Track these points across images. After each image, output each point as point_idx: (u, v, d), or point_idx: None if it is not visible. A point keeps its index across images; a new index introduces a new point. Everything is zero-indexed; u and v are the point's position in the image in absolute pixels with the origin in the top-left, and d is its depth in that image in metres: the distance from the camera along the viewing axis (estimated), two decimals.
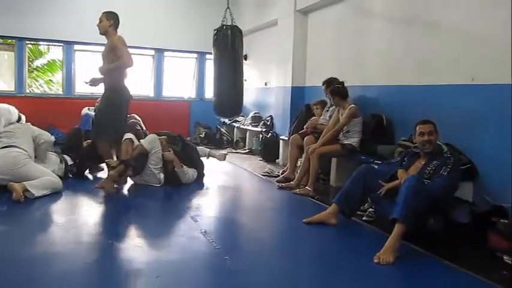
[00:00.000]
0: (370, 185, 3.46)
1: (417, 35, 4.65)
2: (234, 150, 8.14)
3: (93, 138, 4.89)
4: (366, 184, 3.47)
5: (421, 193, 2.93)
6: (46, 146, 4.71)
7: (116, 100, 4.60)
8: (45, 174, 4.29)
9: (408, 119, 4.35)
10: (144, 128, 7.42)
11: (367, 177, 3.48)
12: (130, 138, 4.78)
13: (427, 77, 4.48)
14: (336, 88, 4.90)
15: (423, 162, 3.34)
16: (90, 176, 5.21)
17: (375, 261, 2.79)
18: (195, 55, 9.84)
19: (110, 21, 4.60)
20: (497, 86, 3.70)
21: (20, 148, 4.35)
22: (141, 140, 4.84)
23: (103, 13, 4.66)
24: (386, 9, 5.19)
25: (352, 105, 4.75)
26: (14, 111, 7.15)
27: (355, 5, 5.75)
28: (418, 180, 3.03)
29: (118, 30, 4.72)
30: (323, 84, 5.46)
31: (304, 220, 3.59)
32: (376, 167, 3.81)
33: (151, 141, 4.77)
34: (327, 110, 5.45)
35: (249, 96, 8.77)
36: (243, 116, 8.75)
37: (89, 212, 3.91)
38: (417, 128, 3.34)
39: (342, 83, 4.94)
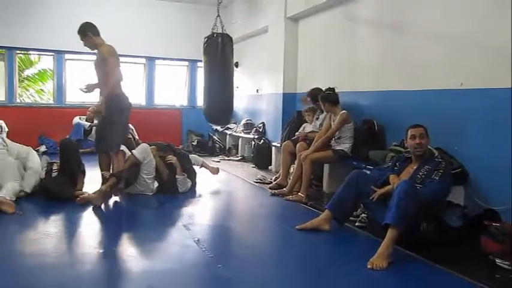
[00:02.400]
0: (362, 190, 3.46)
1: (407, 41, 4.68)
2: (226, 158, 8.13)
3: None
4: (358, 190, 3.47)
5: (413, 198, 2.93)
6: (31, 173, 4.52)
7: (114, 108, 4.58)
8: (13, 177, 4.25)
9: (399, 124, 4.37)
10: (136, 137, 7.41)
11: (359, 183, 3.49)
12: (122, 150, 4.75)
13: (417, 82, 4.50)
14: (326, 94, 4.92)
15: (415, 167, 3.35)
16: None
17: (368, 266, 2.78)
18: (186, 63, 9.83)
19: (89, 35, 4.57)
20: (486, 90, 3.73)
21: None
22: (133, 151, 4.76)
23: (79, 34, 4.61)
24: (375, 15, 5.23)
25: (344, 111, 4.76)
26: None
27: (344, 11, 5.78)
28: (410, 185, 3.03)
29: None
30: (308, 97, 5.47)
31: (297, 226, 3.58)
32: (368, 172, 3.82)
33: (142, 151, 4.72)
34: (317, 118, 5.46)
35: (241, 103, 8.80)
36: (235, 123, 8.76)
37: (81, 222, 3.88)
38: (408, 132, 3.37)
39: (333, 89, 4.95)
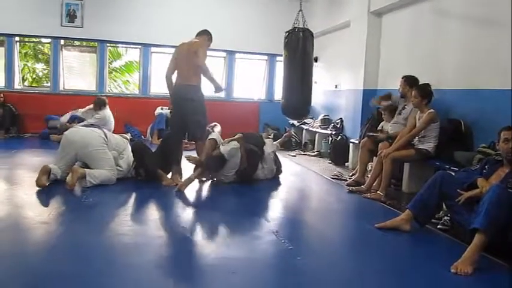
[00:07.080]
0: (446, 192, 3.34)
1: (499, 37, 4.42)
2: (302, 152, 8.15)
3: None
4: (442, 191, 3.35)
5: (506, 203, 2.77)
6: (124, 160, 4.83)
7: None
8: (107, 166, 4.48)
9: (489, 125, 4.17)
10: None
11: (444, 184, 3.36)
12: (214, 139, 4.94)
13: (510, 81, 4.25)
14: (424, 85, 4.76)
15: (506, 171, 3.17)
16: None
17: (452, 270, 2.70)
18: (266, 57, 9.94)
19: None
20: None
21: (102, 131, 4.66)
22: (221, 148, 4.87)
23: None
24: (466, 9, 4.99)
25: (431, 110, 4.57)
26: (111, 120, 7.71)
27: (431, 6, 5.57)
28: (503, 189, 2.86)
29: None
30: (403, 78, 5.24)
31: (376, 225, 3.54)
32: (453, 173, 3.68)
33: (231, 153, 4.84)
34: (399, 113, 5.29)
35: (319, 98, 8.75)
36: (312, 118, 8.73)
37: (166, 206, 4.11)
38: (501, 134, 3.18)
39: (429, 85, 4.77)
